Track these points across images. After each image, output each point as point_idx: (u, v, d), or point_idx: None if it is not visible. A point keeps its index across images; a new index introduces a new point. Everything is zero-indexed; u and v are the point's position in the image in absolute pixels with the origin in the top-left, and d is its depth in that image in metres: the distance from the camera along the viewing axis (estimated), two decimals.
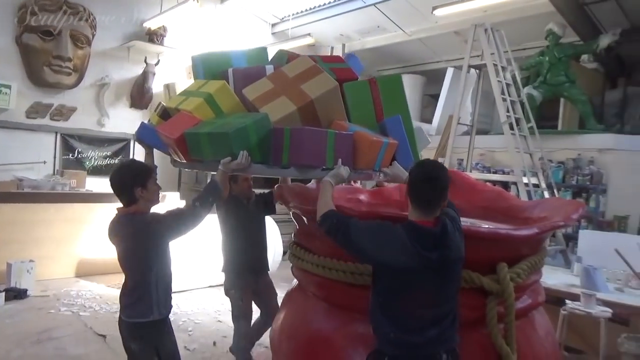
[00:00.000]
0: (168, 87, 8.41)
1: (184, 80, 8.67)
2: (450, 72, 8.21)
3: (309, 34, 8.93)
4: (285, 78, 2.48)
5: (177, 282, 6.00)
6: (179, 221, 2.47)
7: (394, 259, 1.98)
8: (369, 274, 2.44)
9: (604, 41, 6.83)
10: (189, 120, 2.42)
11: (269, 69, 2.68)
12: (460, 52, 9.42)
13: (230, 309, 3.82)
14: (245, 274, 3.70)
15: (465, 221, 2.35)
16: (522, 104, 6.67)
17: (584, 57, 7.87)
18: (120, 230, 2.54)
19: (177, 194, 8.37)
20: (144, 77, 8.28)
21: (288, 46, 9.47)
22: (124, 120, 8.39)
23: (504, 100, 6.32)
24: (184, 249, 5.80)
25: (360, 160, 2.34)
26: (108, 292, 6.08)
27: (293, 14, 9.58)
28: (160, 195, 2.63)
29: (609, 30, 6.98)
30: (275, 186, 3.31)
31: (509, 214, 3.25)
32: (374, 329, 2.14)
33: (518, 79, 6.80)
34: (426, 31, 9.03)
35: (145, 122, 3.08)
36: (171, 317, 5.43)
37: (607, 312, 3.74)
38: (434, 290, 2.04)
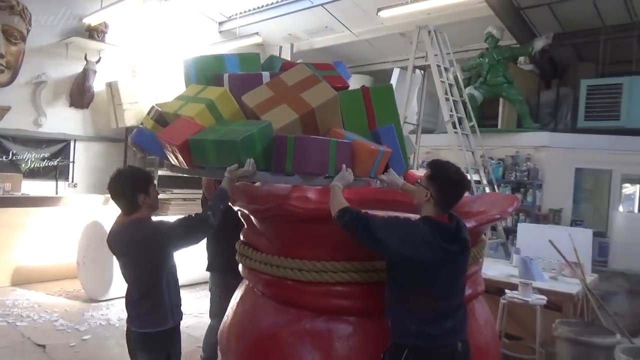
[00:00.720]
0: (111, 86, 8.12)
1: (128, 79, 8.40)
2: (396, 72, 8.38)
3: (256, 33, 8.88)
4: (284, 86, 2.51)
5: (122, 287, 5.94)
6: (191, 229, 2.39)
7: (416, 252, 2.07)
8: (316, 270, 2.49)
9: (538, 44, 7.22)
10: (191, 127, 2.39)
11: (265, 76, 2.69)
12: (406, 53, 9.66)
13: (209, 307, 3.92)
14: (229, 274, 3.71)
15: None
16: (464, 104, 6.94)
17: (521, 59, 8.28)
18: (127, 238, 2.45)
19: None
20: (85, 75, 7.94)
21: (236, 45, 9.40)
22: (63, 120, 8.02)
23: (447, 100, 6.55)
24: None
25: (358, 168, 2.41)
26: (47, 300, 5.80)
27: (240, 13, 9.49)
28: (158, 200, 2.60)
29: (542, 34, 7.38)
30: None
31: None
32: (393, 323, 2.21)
33: (460, 79, 7.06)
34: (373, 32, 9.20)
35: (141, 126, 2.94)
36: (116, 323, 5.29)
37: (543, 299, 3.97)
38: (449, 281, 2.17)
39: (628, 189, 8.08)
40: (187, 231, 2.38)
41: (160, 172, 7.60)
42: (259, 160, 2.28)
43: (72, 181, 8.20)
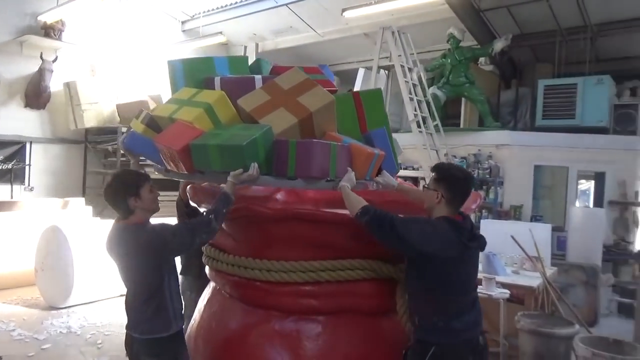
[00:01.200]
0: (69, 86, 7.85)
1: (87, 79, 8.15)
2: (361, 72, 8.45)
3: (220, 33, 8.78)
4: (280, 90, 2.50)
5: (83, 293, 5.78)
6: (193, 233, 2.31)
7: (439, 249, 2.14)
8: (285, 271, 2.48)
9: (498, 45, 7.42)
10: (191, 131, 2.36)
11: (258, 79, 2.68)
12: (370, 54, 9.73)
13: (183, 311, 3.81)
14: (204, 277, 3.64)
15: None
16: (428, 104, 7.05)
17: (482, 60, 8.49)
18: (125, 243, 2.36)
19: (82, 199, 7.87)
20: (40, 75, 7.64)
21: (199, 45, 9.27)
22: (18, 121, 7.70)
23: (412, 99, 6.65)
24: (88, 257, 5.49)
25: (355, 171, 2.42)
26: (3, 309, 5.55)
27: (204, 12, 9.36)
28: (157, 202, 2.47)
29: (502, 36, 7.58)
30: (188, 187, 3.22)
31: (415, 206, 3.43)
32: (419, 321, 2.26)
33: (424, 79, 7.18)
34: (337, 32, 9.25)
35: (132, 130, 2.83)
36: (77, 331, 5.13)
37: (505, 293, 4.09)
38: (468, 277, 2.29)
39: (583, 184, 8.43)
40: (189, 234, 2.32)
41: None
42: (261, 165, 2.28)
43: (29, 185, 7.89)
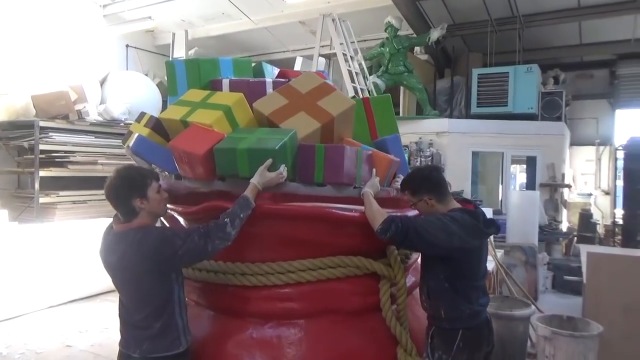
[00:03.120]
0: None
1: None
2: (299, 61, 8.26)
3: (149, 17, 8.18)
4: (298, 93, 2.46)
5: (5, 308, 5.15)
6: (206, 239, 2.02)
7: (465, 242, 2.16)
8: (262, 273, 2.27)
9: (435, 34, 7.55)
10: (211, 135, 2.24)
11: (269, 83, 2.64)
12: (305, 42, 9.60)
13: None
14: None
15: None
16: (370, 92, 7.02)
17: (417, 49, 8.62)
18: (127, 249, 2.02)
19: None
20: None
21: (124, 30, 8.62)
22: None
23: (355, 88, 6.58)
24: (6, 266, 4.90)
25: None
26: None
27: None
28: (166, 203, 2.20)
29: (436, 25, 7.71)
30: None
31: None
32: (446, 312, 2.26)
33: (365, 68, 7.13)
34: (272, 20, 8.96)
35: (141, 135, 2.61)
36: (3, 351, 4.55)
37: None
38: (482, 262, 2.34)
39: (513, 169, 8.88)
40: (201, 240, 2.03)
41: (42, 173, 6.69)
42: (288, 170, 2.19)
43: None
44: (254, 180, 2.14)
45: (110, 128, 7.63)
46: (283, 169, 2.17)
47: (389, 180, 2.64)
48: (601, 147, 9.22)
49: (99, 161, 7.36)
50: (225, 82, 2.62)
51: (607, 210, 8.96)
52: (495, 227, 2.30)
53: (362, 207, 2.28)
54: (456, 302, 2.25)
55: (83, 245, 5.63)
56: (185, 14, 9.11)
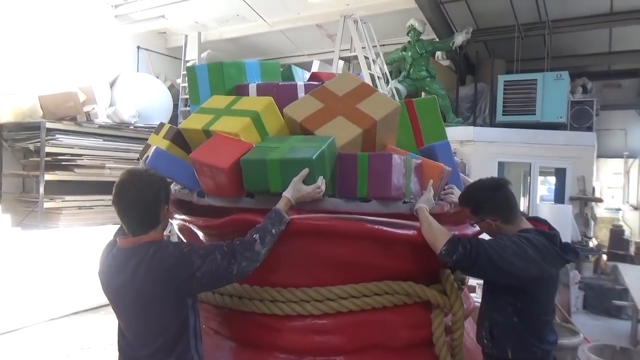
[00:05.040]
0: None
1: (2, 68, 7.00)
2: (316, 64, 7.93)
3: (162, 16, 7.91)
4: (334, 96, 2.20)
5: (3, 320, 4.84)
6: (230, 258, 1.71)
7: (543, 269, 1.85)
8: (296, 301, 1.93)
9: (459, 39, 7.20)
10: (238, 145, 1.97)
11: (300, 86, 2.40)
12: (321, 46, 9.31)
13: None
14: None
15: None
16: (392, 97, 6.68)
17: (438, 54, 8.28)
18: (138, 266, 1.70)
19: None
20: None
21: (136, 30, 8.42)
22: None
23: None
24: (7, 275, 4.60)
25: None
26: None
27: None
28: None
29: (462, 30, 7.37)
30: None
31: None
32: (514, 352, 1.94)
33: (387, 72, 6.80)
34: (288, 22, 8.66)
35: (158, 147, 2.33)
36: None
37: None
38: (554, 294, 2.04)
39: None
40: (224, 259, 1.70)
41: (47, 177, 6.40)
42: (326, 183, 1.89)
43: None
44: (287, 194, 1.82)
45: (119, 131, 7.35)
46: (321, 182, 1.84)
47: (439, 192, 2.30)
48: (630, 160, 8.81)
49: (106, 165, 7.07)
50: (252, 87, 2.37)
51: (636, 226, 8.54)
52: (574, 253, 2.01)
53: (411, 223, 1.94)
54: (527, 340, 1.93)
55: (88, 253, 5.32)
56: (199, 16, 8.84)
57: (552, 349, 1.99)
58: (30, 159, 7.10)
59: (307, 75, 2.89)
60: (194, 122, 2.20)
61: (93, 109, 6.90)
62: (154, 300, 1.72)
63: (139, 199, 1.74)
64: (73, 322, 5.18)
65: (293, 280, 1.95)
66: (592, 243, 7.12)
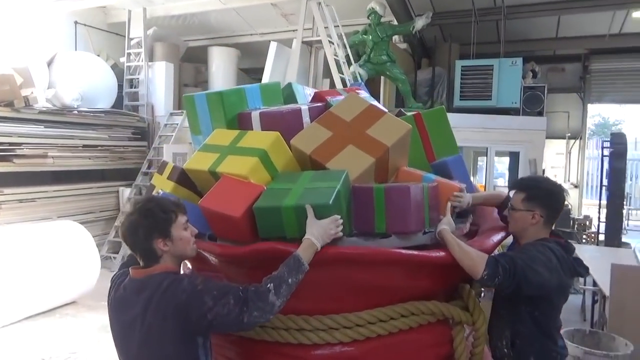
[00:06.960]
0: None
1: None
2: (273, 46, 7.64)
3: None
4: (342, 123, 2.09)
5: None
6: (242, 305, 1.57)
7: (562, 280, 1.94)
8: (325, 329, 1.83)
9: (419, 23, 7.18)
10: (249, 190, 1.86)
11: (304, 110, 2.25)
12: (275, 26, 9.01)
13: None
14: None
15: None
16: (353, 82, 6.60)
17: (395, 38, 8.24)
18: (151, 297, 1.58)
19: None
20: None
21: (75, 7, 7.68)
22: None
23: (342, 80, 6.13)
24: None
25: (444, 211, 2.04)
26: None
27: None
28: (194, 243, 1.75)
29: (422, 14, 7.36)
30: None
31: None
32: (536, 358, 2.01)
33: (351, 56, 6.68)
34: (242, 0, 8.28)
35: (165, 191, 2.25)
36: None
37: None
38: (565, 301, 2.08)
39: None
40: (237, 305, 1.56)
41: None
42: (344, 223, 1.77)
43: None
44: (311, 236, 1.68)
45: (61, 116, 6.80)
46: (339, 226, 1.74)
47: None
48: (571, 141, 9.33)
49: (49, 154, 6.55)
50: (255, 116, 2.21)
51: (577, 204, 9.11)
52: (585, 268, 2.09)
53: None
54: (548, 347, 2.03)
55: (32, 252, 4.90)
56: None
57: (566, 353, 2.10)
58: None
59: (308, 90, 2.75)
60: (198, 162, 2.05)
61: (32, 92, 6.29)
62: (164, 337, 1.59)
63: (129, 233, 1.65)
64: (26, 329, 4.77)
65: (319, 308, 1.84)
66: None
